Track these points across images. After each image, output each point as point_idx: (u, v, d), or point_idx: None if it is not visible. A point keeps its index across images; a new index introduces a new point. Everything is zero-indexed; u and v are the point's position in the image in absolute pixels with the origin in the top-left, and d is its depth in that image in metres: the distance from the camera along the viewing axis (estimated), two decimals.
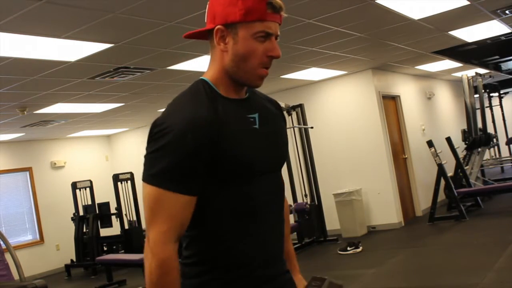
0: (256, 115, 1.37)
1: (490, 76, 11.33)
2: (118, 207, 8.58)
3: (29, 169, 9.41)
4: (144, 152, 1.29)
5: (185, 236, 1.32)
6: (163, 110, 1.33)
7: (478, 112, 9.30)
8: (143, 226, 9.05)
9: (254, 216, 1.33)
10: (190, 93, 1.32)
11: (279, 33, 1.32)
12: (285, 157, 1.47)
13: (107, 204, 8.85)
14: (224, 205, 1.29)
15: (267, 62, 1.32)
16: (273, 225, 1.39)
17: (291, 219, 7.68)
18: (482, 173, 10.62)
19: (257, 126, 1.36)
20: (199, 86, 1.33)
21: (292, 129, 7.87)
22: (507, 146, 12.50)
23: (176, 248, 1.24)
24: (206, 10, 1.34)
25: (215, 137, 1.24)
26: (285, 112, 7.64)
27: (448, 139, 8.31)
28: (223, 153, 1.25)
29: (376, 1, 4.38)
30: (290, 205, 7.36)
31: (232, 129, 1.28)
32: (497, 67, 10.91)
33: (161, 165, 1.21)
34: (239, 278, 1.31)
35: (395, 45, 6.42)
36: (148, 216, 1.25)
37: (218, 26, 1.29)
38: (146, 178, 1.25)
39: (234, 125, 1.29)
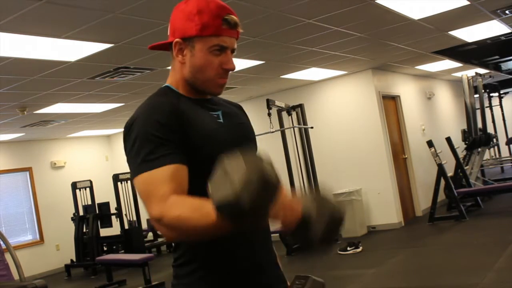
0: (219, 112, 1.43)
1: (490, 76, 11.33)
2: (118, 207, 8.58)
3: (29, 169, 9.41)
4: None
5: None
6: None
7: (478, 112, 9.30)
8: (143, 226, 9.05)
9: None
10: (152, 96, 1.40)
11: (235, 46, 1.39)
12: (252, 144, 1.50)
13: (107, 204, 8.85)
14: (196, 192, 1.27)
15: (223, 73, 1.39)
16: None
17: None
18: (482, 173, 10.61)
19: (221, 120, 1.41)
20: (162, 89, 1.42)
21: (292, 129, 7.87)
22: (507, 146, 12.51)
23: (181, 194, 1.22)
24: (169, 25, 1.43)
25: (178, 119, 1.29)
26: (285, 112, 7.70)
27: (448, 139, 8.31)
28: (188, 134, 1.29)
29: (376, 1, 4.38)
30: None
31: (196, 119, 1.33)
32: (497, 67, 10.91)
33: (142, 153, 1.25)
34: (227, 274, 1.32)
35: (395, 45, 6.42)
36: (146, 201, 1.23)
37: (177, 40, 1.38)
38: (134, 172, 1.27)
39: (198, 117, 1.35)
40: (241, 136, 1.45)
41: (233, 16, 1.35)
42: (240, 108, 1.58)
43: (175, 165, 1.24)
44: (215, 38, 1.34)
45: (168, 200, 1.18)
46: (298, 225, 1.21)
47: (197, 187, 1.25)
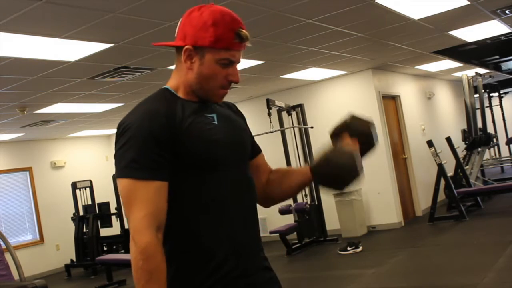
0: (214, 115, 1.45)
1: (490, 76, 11.33)
2: (118, 207, 8.57)
3: (29, 169, 9.41)
4: None
5: None
6: None
7: (478, 112, 9.29)
8: None
9: (222, 207, 1.37)
10: (149, 97, 1.43)
11: (241, 60, 1.44)
12: (248, 148, 1.53)
13: (107, 204, 8.85)
14: (191, 196, 1.35)
15: (227, 85, 1.43)
16: (244, 217, 1.43)
17: (291, 219, 7.68)
18: (482, 173, 10.61)
19: (216, 122, 1.44)
20: (160, 91, 1.45)
21: (292, 129, 7.87)
22: (507, 146, 12.50)
23: (158, 235, 1.28)
24: (178, 26, 1.44)
25: (172, 126, 1.33)
26: (285, 112, 7.70)
27: (448, 139, 8.31)
28: (183, 140, 1.33)
29: (376, 1, 4.38)
30: (290, 205, 7.37)
31: (191, 121, 1.37)
32: (497, 67, 10.91)
33: (128, 158, 1.30)
34: (213, 272, 1.34)
35: (395, 45, 6.42)
36: (125, 208, 1.31)
37: (187, 46, 1.39)
38: (118, 173, 1.33)
39: (193, 119, 1.38)
40: (236, 138, 1.48)
41: (244, 31, 1.39)
42: (232, 107, 1.60)
43: (160, 183, 1.30)
44: (225, 51, 1.38)
45: (147, 233, 1.25)
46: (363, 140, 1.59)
47: (193, 186, 1.35)
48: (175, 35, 1.44)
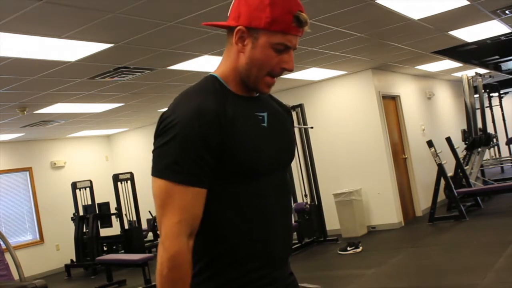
0: (265, 114, 1.37)
1: (490, 76, 11.33)
2: (118, 207, 8.57)
3: (29, 169, 9.41)
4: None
5: None
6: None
7: (478, 112, 9.30)
8: (143, 226, 9.05)
9: (261, 216, 1.31)
10: (198, 87, 1.32)
11: (297, 46, 1.33)
12: (292, 156, 1.46)
13: (107, 204, 8.85)
14: (230, 202, 1.28)
15: (279, 72, 1.33)
16: (280, 226, 1.37)
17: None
18: (482, 173, 10.62)
19: (265, 124, 1.35)
20: (209, 81, 1.33)
21: None
22: (507, 146, 12.50)
23: (189, 243, 1.22)
24: (232, 4, 1.33)
25: (222, 129, 1.23)
26: None
27: (448, 139, 8.31)
28: (230, 147, 1.24)
29: (376, 1, 4.38)
30: None
31: (240, 124, 1.27)
32: (497, 67, 10.91)
33: (170, 158, 1.21)
34: (238, 279, 1.29)
35: (395, 45, 6.42)
36: (159, 211, 1.23)
37: (240, 27, 1.28)
38: (155, 173, 1.24)
39: (242, 121, 1.29)
40: (284, 145, 1.41)
41: (304, 15, 1.28)
42: (287, 111, 1.51)
43: (200, 190, 1.23)
44: (282, 35, 1.27)
45: (179, 241, 1.20)
46: None
47: (232, 193, 1.27)
48: (228, 14, 1.33)
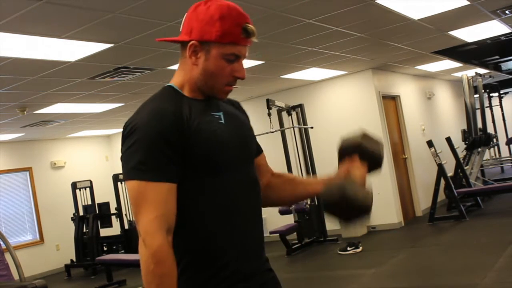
0: (220, 113, 1.44)
1: (490, 76, 11.33)
2: (118, 207, 8.57)
3: (29, 169, 9.41)
4: None
5: None
6: None
7: (478, 112, 9.30)
8: None
9: (228, 209, 1.36)
10: (154, 96, 1.41)
11: (247, 54, 1.41)
12: (254, 149, 1.52)
13: (107, 204, 8.85)
14: (198, 197, 1.33)
15: (232, 81, 1.41)
16: (250, 219, 1.42)
17: (291, 219, 7.68)
18: (482, 173, 10.61)
19: (222, 121, 1.42)
20: (165, 89, 1.42)
21: (292, 129, 7.87)
22: (507, 146, 12.50)
23: (168, 238, 1.26)
24: (183, 20, 1.41)
25: (181, 125, 1.30)
26: (285, 112, 7.69)
27: (448, 139, 8.31)
28: (192, 142, 1.31)
29: (376, 1, 4.38)
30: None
31: (198, 121, 1.34)
32: (497, 67, 10.90)
33: (136, 159, 1.27)
34: (216, 274, 1.32)
35: (395, 45, 6.42)
36: (134, 211, 1.28)
37: (193, 41, 1.36)
38: (125, 175, 1.30)
39: (200, 118, 1.36)
40: (243, 138, 1.47)
41: (251, 26, 1.37)
42: (237, 105, 1.58)
43: (169, 185, 1.28)
44: (232, 46, 1.36)
45: (158, 236, 1.23)
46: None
47: (200, 187, 1.33)
48: (180, 30, 1.41)
